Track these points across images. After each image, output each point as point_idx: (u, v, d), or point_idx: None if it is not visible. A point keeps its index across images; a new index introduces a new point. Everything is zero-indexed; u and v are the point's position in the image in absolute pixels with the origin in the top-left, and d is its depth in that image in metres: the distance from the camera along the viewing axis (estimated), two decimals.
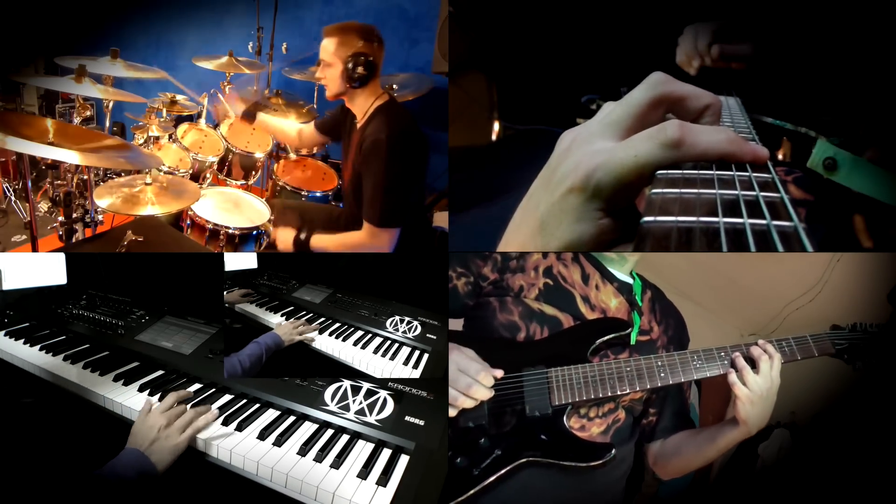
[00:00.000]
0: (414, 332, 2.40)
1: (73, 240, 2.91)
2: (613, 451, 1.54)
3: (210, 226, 3.03)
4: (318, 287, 2.84)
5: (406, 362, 2.16)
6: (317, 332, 2.30)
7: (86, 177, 2.98)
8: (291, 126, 3.46)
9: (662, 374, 1.57)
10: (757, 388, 1.51)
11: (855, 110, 1.30)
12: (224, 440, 1.57)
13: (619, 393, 1.57)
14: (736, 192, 0.65)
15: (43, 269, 2.29)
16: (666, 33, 1.92)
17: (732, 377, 1.54)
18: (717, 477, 3.43)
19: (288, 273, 2.91)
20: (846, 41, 1.44)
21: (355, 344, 2.27)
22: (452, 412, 1.54)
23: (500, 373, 1.56)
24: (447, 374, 1.55)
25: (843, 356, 1.59)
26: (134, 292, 2.47)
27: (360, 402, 1.75)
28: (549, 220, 0.75)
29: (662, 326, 1.81)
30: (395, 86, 3.84)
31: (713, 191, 0.66)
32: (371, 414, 1.70)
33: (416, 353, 2.25)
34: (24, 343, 2.07)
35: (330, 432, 1.65)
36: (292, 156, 3.86)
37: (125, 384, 1.83)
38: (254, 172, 3.90)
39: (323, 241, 2.78)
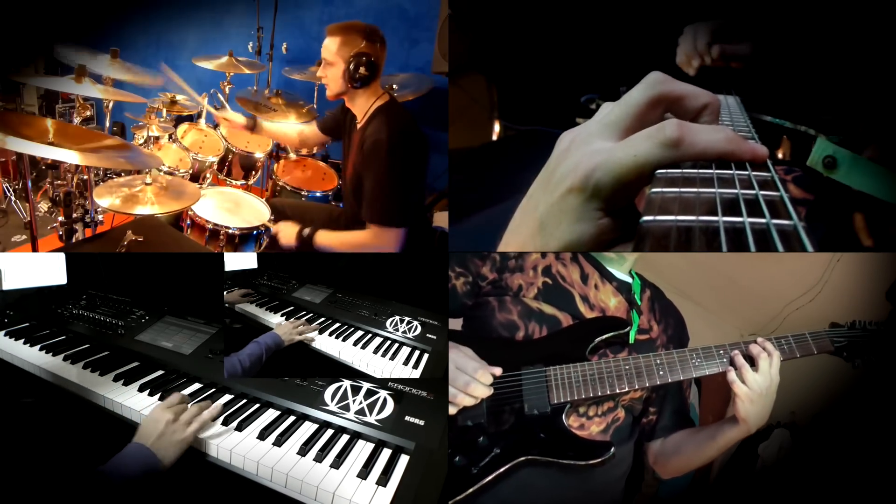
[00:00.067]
0: (414, 332, 2.40)
1: (73, 240, 2.91)
2: (612, 449, 1.53)
3: (210, 226, 3.03)
4: (318, 287, 2.84)
5: (406, 362, 2.16)
6: (317, 332, 2.30)
7: (86, 177, 2.98)
8: (292, 128, 3.46)
9: (661, 373, 1.57)
10: (756, 386, 1.50)
11: (854, 108, 1.30)
12: (224, 440, 1.57)
13: (617, 391, 1.57)
14: (735, 190, 0.65)
15: (43, 269, 2.29)
16: (665, 33, 1.92)
17: (732, 375, 1.53)
18: (717, 477, 3.43)
19: (288, 273, 2.91)
20: (845, 39, 1.44)
21: (355, 344, 2.27)
22: (452, 410, 1.54)
23: (498, 370, 1.56)
24: (447, 374, 1.55)
25: (842, 354, 1.59)
26: (134, 292, 2.47)
27: (360, 402, 1.75)
28: (548, 221, 0.75)
29: (662, 325, 1.81)
30: (395, 86, 3.84)
31: (712, 190, 0.66)
32: (371, 414, 1.70)
33: (416, 353, 2.25)
34: (25, 343, 2.07)
35: (330, 432, 1.65)
36: (292, 156, 3.86)
37: (125, 384, 1.83)
38: (254, 172, 3.91)
39: (328, 239, 2.77)
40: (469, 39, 2.62)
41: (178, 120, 3.95)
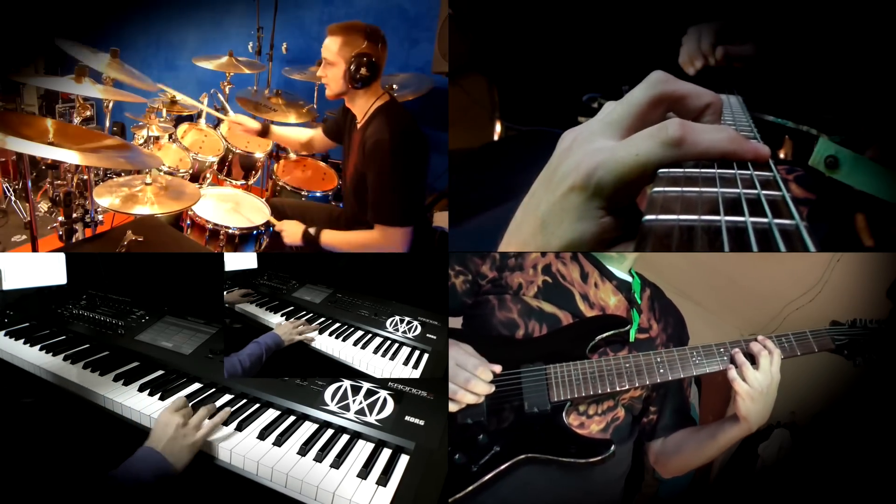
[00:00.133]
0: (414, 332, 2.40)
1: (73, 240, 2.91)
2: (613, 447, 1.53)
3: (210, 226, 3.03)
4: (318, 287, 2.84)
5: (406, 362, 2.15)
6: (317, 332, 2.30)
7: (86, 177, 2.98)
8: (303, 134, 3.45)
9: (661, 371, 1.57)
10: (757, 384, 1.50)
11: (856, 108, 1.30)
12: (224, 440, 1.57)
13: (618, 389, 1.56)
14: (737, 190, 0.65)
15: (43, 269, 2.29)
16: (668, 32, 1.92)
17: (732, 373, 1.53)
18: (717, 477, 3.43)
19: (288, 273, 2.91)
20: (847, 39, 1.44)
21: (355, 344, 2.27)
22: (454, 407, 1.54)
23: (498, 368, 1.56)
24: (447, 374, 1.54)
25: (842, 352, 1.59)
26: (134, 292, 2.47)
27: (360, 402, 1.75)
28: (550, 220, 0.75)
29: (662, 324, 1.81)
30: (395, 86, 3.84)
31: (715, 189, 0.66)
32: (371, 414, 1.70)
33: (416, 353, 2.25)
34: (25, 343, 2.07)
35: (330, 432, 1.65)
36: (292, 156, 3.86)
37: (125, 384, 1.83)
38: (254, 172, 3.91)
39: (334, 239, 2.77)
40: (470, 40, 2.61)
41: (178, 120, 3.95)
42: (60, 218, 2.91)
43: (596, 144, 0.73)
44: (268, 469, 1.47)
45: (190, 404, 1.66)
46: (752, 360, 1.53)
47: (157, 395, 1.77)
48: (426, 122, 2.88)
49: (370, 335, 2.37)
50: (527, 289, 1.72)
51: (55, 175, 3.07)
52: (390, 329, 2.40)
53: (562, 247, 0.74)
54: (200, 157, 3.62)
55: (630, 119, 0.75)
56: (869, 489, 2.70)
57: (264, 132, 3.28)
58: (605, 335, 1.64)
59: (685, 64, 1.86)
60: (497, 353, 1.59)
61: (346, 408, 1.72)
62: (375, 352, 2.22)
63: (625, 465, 1.77)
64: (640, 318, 1.74)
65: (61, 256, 2.39)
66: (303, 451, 1.54)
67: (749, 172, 0.70)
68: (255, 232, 3.13)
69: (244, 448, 1.54)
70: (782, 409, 3.13)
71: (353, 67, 2.62)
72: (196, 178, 3.59)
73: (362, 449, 1.59)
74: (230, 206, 3.23)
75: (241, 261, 2.72)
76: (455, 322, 1.88)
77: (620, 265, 1.81)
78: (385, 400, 1.77)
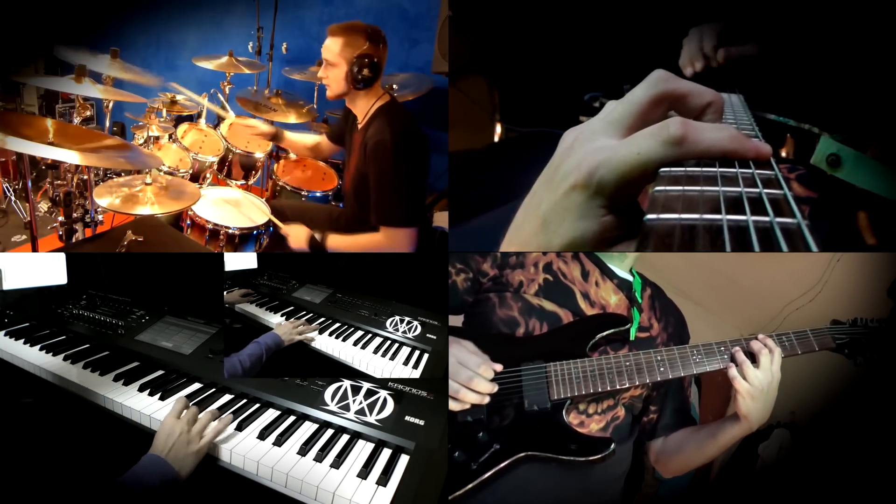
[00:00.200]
0: (414, 332, 2.40)
1: (73, 240, 2.91)
2: (613, 445, 1.53)
3: (210, 226, 3.03)
4: (318, 287, 2.83)
5: (406, 362, 2.15)
6: (317, 332, 2.30)
7: (86, 177, 2.98)
8: (310, 139, 3.44)
9: (662, 369, 1.56)
10: (757, 382, 1.50)
11: (858, 106, 1.30)
12: (224, 440, 1.57)
13: (618, 387, 1.56)
14: (739, 189, 0.65)
15: (43, 269, 2.29)
16: (669, 32, 1.92)
17: (733, 371, 1.53)
18: (717, 477, 3.43)
19: (288, 273, 2.91)
20: (849, 38, 1.44)
21: (355, 344, 2.27)
22: (456, 406, 1.53)
23: (499, 366, 1.56)
24: (447, 373, 1.54)
25: (843, 351, 1.58)
26: (134, 292, 2.47)
27: (360, 402, 1.75)
28: (551, 218, 0.75)
29: (662, 324, 1.80)
30: (395, 86, 3.84)
31: (716, 188, 0.66)
32: (371, 414, 1.70)
33: (416, 353, 2.25)
34: (25, 343, 2.07)
35: (330, 432, 1.65)
36: (292, 156, 3.86)
37: (125, 384, 1.83)
38: (254, 172, 3.91)
39: (340, 243, 2.76)
40: (470, 41, 2.61)
41: (178, 120, 3.95)
42: (60, 218, 2.92)
43: (597, 143, 0.74)
44: (268, 469, 1.47)
45: (192, 404, 1.66)
46: (753, 358, 1.53)
47: (158, 395, 1.77)
48: (426, 122, 2.87)
49: (370, 335, 2.37)
50: (527, 287, 1.72)
51: (55, 175, 3.07)
52: (390, 329, 2.40)
53: (563, 245, 0.74)
54: (200, 157, 3.62)
55: (631, 118, 0.75)
56: (869, 489, 2.70)
57: (276, 137, 3.26)
58: (605, 334, 1.64)
59: (685, 65, 1.85)
60: (497, 352, 1.59)
61: (346, 408, 1.72)
62: (375, 352, 2.22)
63: (625, 465, 1.77)
64: (640, 316, 1.74)
65: (61, 256, 2.39)
66: (303, 451, 1.54)
67: (751, 171, 0.70)
68: (255, 232, 3.14)
69: (244, 448, 1.54)
70: (782, 409, 3.13)
71: (354, 68, 2.61)
72: (196, 178, 3.59)
73: (362, 449, 1.59)
74: (230, 206, 3.23)
75: (241, 261, 2.72)
76: (456, 320, 1.87)
77: (621, 264, 1.81)
78: (385, 400, 1.77)
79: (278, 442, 1.57)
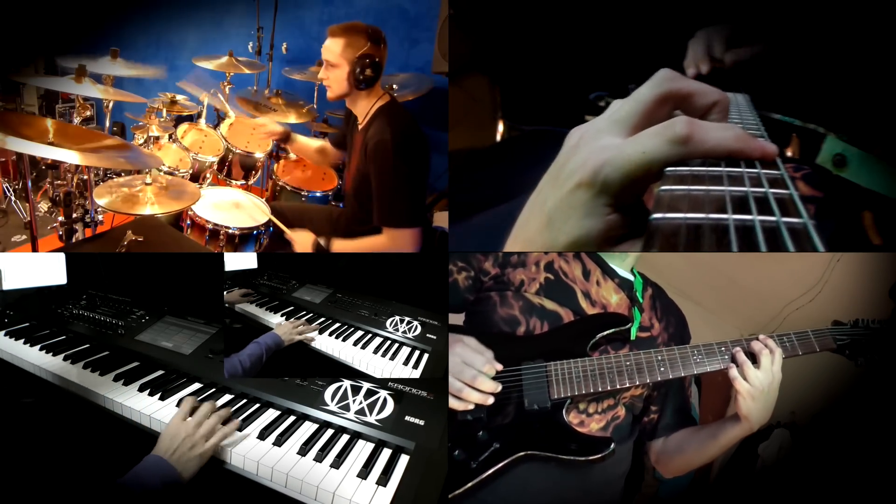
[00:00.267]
0: (414, 332, 2.39)
1: (73, 240, 2.91)
2: (613, 445, 1.53)
3: (210, 226, 3.03)
4: (318, 287, 2.83)
5: (406, 362, 2.15)
6: (317, 332, 2.30)
7: (86, 177, 2.97)
8: (316, 143, 3.43)
9: (662, 369, 1.56)
10: (758, 382, 1.50)
11: (864, 106, 1.30)
12: (224, 440, 1.57)
13: (618, 387, 1.56)
14: (745, 188, 0.65)
15: (43, 269, 2.28)
16: (673, 31, 1.92)
17: (733, 372, 1.53)
18: (717, 477, 3.43)
19: (288, 273, 2.91)
20: (854, 38, 1.43)
21: (355, 344, 2.27)
22: (460, 405, 1.53)
23: (499, 366, 1.56)
24: (447, 374, 1.54)
25: (844, 352, 1.58)
26: (134, 292, 2.46)
27: (360, 402, 1.75)
28: (556, 216, 0.75)
29: (663, 324, 1.80)
30: (395, 86, 3.84)
31: (722, 188, 0.65)
32: (371, 414, 1.70)
33: (416, 353, 2.24)
34: (25, 343, 2.07)
35: (330, 432, 1.65)
36: (292, 156, 3.86)
37: (125, 384, 1.82)
38: (254, 172, 3.90)
39: (345, 248, 2.76)
40: (472, 40, 2.61)
41: (178, 120, 3.94)
42: (60, 218, 2.91)
43: (603, 142, 0.74)
44: (268, 469, 1.47)
45: (199, 404, 1.64)
46: (754, 359, 1.52)
47: (158, 395, 1.76)
48: (426, 122, 2.87)
49: (370, 335, 2.37)
50: (529, 285, 1.71)
51: (55, 175, 3.07)
52: (390, 329, 2.40)
53: (568, 243, 0.74)
54: (200, 157, 3.62)
55: (637, 117, 0.75)
56: (869, 489, 2.70)
57: (287, 139, 3.25)
58: (606, 333, 1.64)
59: (689, 66, 1.84)
60: (498, 350, 1.59)
61: (346, 408, 1.72)
62: (375, 352, 2.22)
63: (625, 465, 1.77)
64: (641, 316, 1.74)
65: (61, 256, 2.38)
66: (303, 451, 1.53)
67: (756, 171, 0.70)
68: (255, 232, 3.13)
69: (244, 448, 1.54)
70: (782, 409, 3.12)
71: (357, 69, 2.61)
72: (196, 178, 3.59)
73: (362, 449, 1.59)
74: (230, 206, 3.22)
75: (241, 261, 2.71)
76: (456, 319, 1.87)
77: (622, 263, 1.81)
78: (385, 400, 1.77)
79: (278, 442, 1.56)
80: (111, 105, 3.04)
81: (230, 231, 3.05)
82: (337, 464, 1.49)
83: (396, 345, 2.29)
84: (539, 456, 1.53)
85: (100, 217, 3.01)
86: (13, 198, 3.95)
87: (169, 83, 4.54)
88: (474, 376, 1.52)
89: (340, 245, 2.74)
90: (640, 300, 1.78)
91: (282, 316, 2.49)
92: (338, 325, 2.44)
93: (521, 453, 1.53)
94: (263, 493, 1.48)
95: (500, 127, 2.49)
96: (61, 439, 1.84)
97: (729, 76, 1.73)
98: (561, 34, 2.30)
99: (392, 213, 2.63)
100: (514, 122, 2.45)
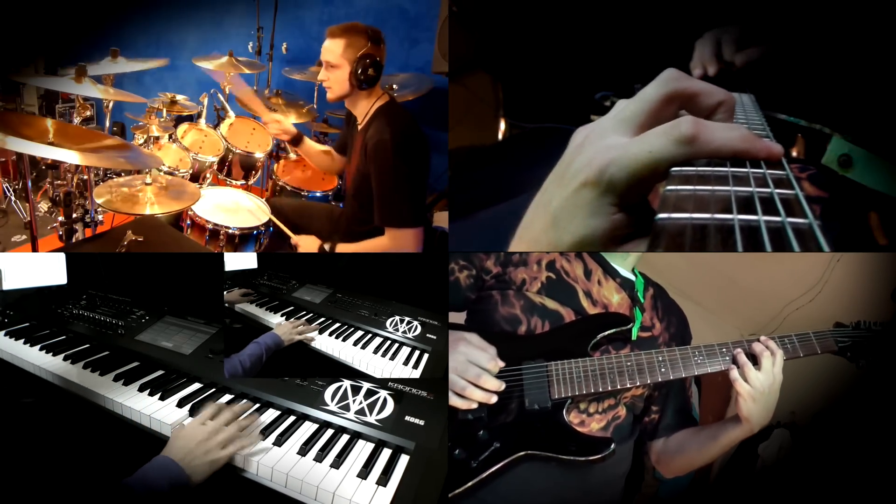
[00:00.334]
0: (414, 332, 2.39)
1: (73, 240, 2.90)
2: (613, 445, 1.52)
3: (210, 226, 3.03)
4: (318, 287, 2.83)
5: (406, 362, 2.15)
6: (316, 331, 2.30)
7: (86, 177, 2.97)
8: (322, 146, 3.42)
9: (663, 370, 1.56)
10: (759, 384, 1.50)
11: (870, 107, 1.29)
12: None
13: (619, 387, 1.56)
14: (750, 188, 0.65)
15: (43, 269, 2.28)
16: (680, 31, 1.91)
17: (734, 373, 1.52)
18: (717, 477, 3.43)
19: (288, 273, 2.91)
20: (860, 38, 1.43)
21: (355, 344, 2.27)
22: (463, 404, 1.52)
23: (503, 363, 1.56)
24: (447, 373, 1.53)
25: (846, 354, 1.58)
26: (134, 292, 2.46)
27: (360, 402, 1.75)
28: (562, 215, 0.75)
29: (664, 324, 1.80)
30: (395, 86, 3.83)
31: (727, 188, 0.65)
32: (371, 414, 1.70)
33: (416, 353, 2.24)
34: (25, 343, 2.06)
35: (330, 432, 1.65)
36: (292, 156, 3.86)
37: (125, 384, 1.82)
38: (254, 172, 3.90)
39: (349, 251, 2.77)
40: (474, 37, 2.60)
41: (178, 120, 3.94)
42: (60, 218, 2.91)
43: (608, 141, 0.74)
44: (268, 469, 1.47)
45: (221, 410, 1.61)
46: (755, 360, 1.52)
47: (158, 395, 1.76)
48: (426, 122, 2.87)
49: (370, 335, 2.37)
50: (530, 284, 1.71)
51: (55, 175, 3.07)
52: (390, 329, 2.40)
53: (573, 243, 0.74)
54: (200, 157, 3.62)
55: (643, 116, 0.75)
56: (869, 489, 2.70)
57: (297, 140, 3.24)
58: (607, 333, 1.64)
59: (695, 67, 1.83)
60: (499, 350, 1.58)
61: (346, 408, 1.72)
62: (375, 352, 2.22)
63: (625, 465, 1.77)
64: (642, 316, 1.74)
65: (61, 256, 2.38)
66: (303, 451, 1.53)
67: (762, 171, 0.70)
68: (255, 232, 3.13)
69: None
70: (782, 409, 3.12)
71: (358, 69, 2.62)
72: (196, 178, 3.58)
73: (362, 449, 1.58)
74: (230, 206, 3.22)
75: (241, 261, 2.71)
76: (457, 318, 1.87)
77: (624, 262, 1.81)
78: (385, 400, 1.77)
79: (278, 442, 1.56)
80: (111, 105, 3.04)
81: (230, 231, 3.05)
82: (337, 464, 1.49)
83: (396, 345, 2.29)
84: (539, 456, 1.53)
85: (100, 217, 3.00)
86: (13, 198, 3.95)
87: (169, 83, 4.54)
88: (479, 374, 1.51)
89: (345, 248, 2.74)
90: (642, 300, 1.77)
91: (282, 316, 2.48)
92: (338, 325, 2.44)
93: (522, 453, 1.52)
94: (263, 492, 1.48)
95: (502, 125, 2.49)
96: (61, 439, 1.84)
97: (734, 76, 1.72)
98: (565, 32, 2.30)
99: (393, 213, 2.63)
100: (517, 119, 2.45)
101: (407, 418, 1.68)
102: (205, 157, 3.63)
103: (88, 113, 3.37)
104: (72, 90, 2.70)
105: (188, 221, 3.13)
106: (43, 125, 2.42)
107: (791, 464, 3.18)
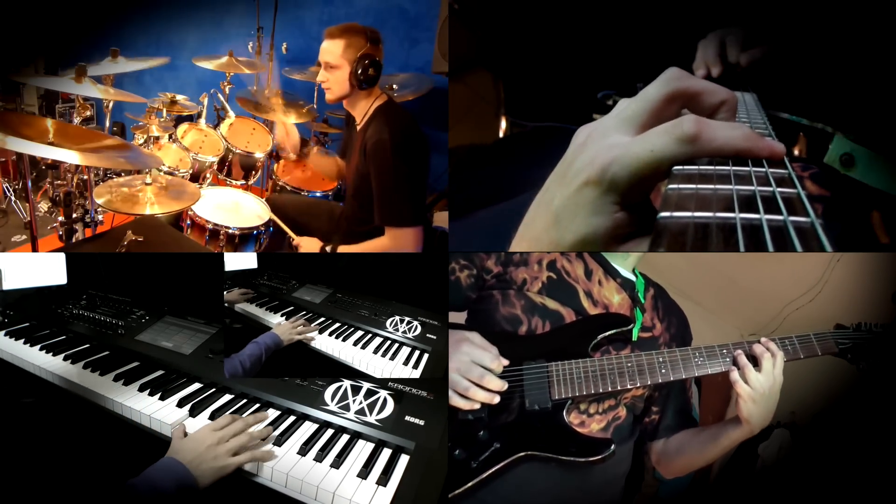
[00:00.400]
0: (414, 332, 2.39)
1: (73, 240, 2.90)
2: (613, 446, 1.52)
3: (210, 226, 3.03)
4: (318, 287, 2.83)
5: (406, 362, 2.15)
6: (316, 331, 2.30)
7: (86, 177, 2.97)
8: (333, 160, 3.42)
9: (664, 371, 1.56)
10: (759, 386, 1.49)
11: (872, 106, 1.29)
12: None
13: (619, 388, 1.56)
14: (752, 187, 0.65)
15: (43, 269, 2.28)
16: (682, 31, 1.91)
17: (734, 375, 1.52)
18: (717, 477, 3.43)
19: (288, 273, 2.91)
20: (863, 37, 1.43)
21: (355, 344, 2.26)
22: (466, 404, 1.52)
23: (506, 362, 1.56)
24: (447, 373, 1.53)
25: (846, 356, 1.57)
26: (134, 292, 2.46)
27: (360, 402, 1.75)
28: (563, 214, 0.75)
29: (665, 324, 1.80)
30: (395, 86, 3.83)
31: (729, 186, 0.65)
32: (371, 414, 1.70)
33: (416, 353, 2.24)
34: (25, 343, 2.06)
35: (330, 432, 1.64)
36: (292, 156, 3.85)
37: (125, 384, 1.82)
38: (254, 172, 3.90)
39: (351, 251, 2.77)
40: (475, 35, 2.60)
41: (178, 120, 3.94)
42: (60, 218, 2.91)
43: (611, 140, 0.74)
44: (268, 469, 1.47)
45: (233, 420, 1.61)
46: (755, 361, 1.52)
47: (158, 395, 1.76)
48: (426, 122, 2.87)
49: (370, 335, 2.36)
50: (531, 284, 1.71)
51: (55, 175, 3.06)
52: (390, 329, 2.39)
53: (575, 242, 0.74)
54: (200, 157, 3.62)
55: (645, 115, 0.75)
56: (868, 489, 2.70)
57: (305, 154, 3.24)
58: (607, 334, 1.63)
59: (698, 67, 1.83)
60: (500, 350, 1.58)
61: (346, 408, 1.72)
62: (375, 352, 2.21)
63: (625, 465, 1.77)
64: (643, 317, 1.74)
65: (61, 256, 2.38)
66: (303, 451, 1.53)
67: (764, 170, 0.70)
68: (255, 232, 3.13)
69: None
70: (782, 410, 3.12)
71: (358, 69, 2.62)
72: (196, 178, 3.58)
73: (362, 449, 1.58)
74: (230, 206, 3.22)
75: (241, 261, 2.71)
76: (457, 318, 1.87)
77: (624, 263, 1.81)
78: (385, 400, 1.77)
79: (278, 442, 1.56)
80: (111, 105, 3.04)
81: (230, 231, 3.05)
82: (337, 464, 1.48)
83: (396, 345, 2.29)
84: (539, 456, 1.53)
85: (100, 217, 3.00)
86: (13, 198, 3.95)
87: (169, 83, 4.53)
88: (482, 374, 1.51)
89: (346, 250, 2.75)
90: (642, 300, 1.77)
91: (282, 316, 2.48)
92: (338, 325, 2.44)
93: (522, 453, 1.52)
94: (263, 492, 1.47)
95: (503, 123, 2.49)
96: (61, 439, 1.83)
97: (737, 75, 1.72)
98: (568, 30, 2.29)
99: (393, 212, 2.63)
100: (518, 118, 2.44)
101: (407, 418, 1.68)
102: (205, 157, 3.63)
103: (88, 113, 3.37)
104: (72, 90, 2.69)
105: (188, 221, 3.13)
106: (43, 125, 2.42)
107: (791, 464, 3.18)
